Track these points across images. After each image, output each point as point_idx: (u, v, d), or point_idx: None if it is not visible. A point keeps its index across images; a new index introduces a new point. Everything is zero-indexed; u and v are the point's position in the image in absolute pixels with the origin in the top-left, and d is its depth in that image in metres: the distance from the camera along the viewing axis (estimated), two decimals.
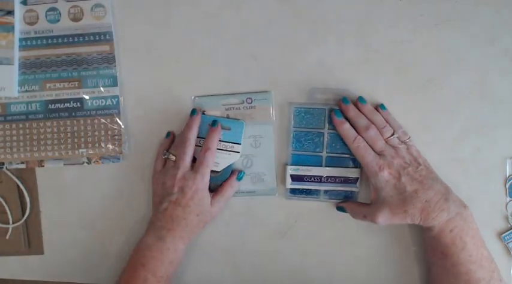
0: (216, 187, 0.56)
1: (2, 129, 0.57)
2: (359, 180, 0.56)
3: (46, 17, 0.56)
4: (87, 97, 0.57)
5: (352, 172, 0.56)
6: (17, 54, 0.56)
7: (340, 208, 0.56)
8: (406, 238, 0.57)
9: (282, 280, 0.58)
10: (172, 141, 0.57)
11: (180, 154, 0.53)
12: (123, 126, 0.57)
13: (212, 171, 0.56)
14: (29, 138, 0.57)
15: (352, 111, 0.54)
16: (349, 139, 0.53)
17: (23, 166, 0.57)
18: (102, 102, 0.57)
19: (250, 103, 0.57)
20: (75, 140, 0.57)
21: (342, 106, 0.54)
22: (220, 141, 0.56)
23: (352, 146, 0.53)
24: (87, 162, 0.57)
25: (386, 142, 0.52)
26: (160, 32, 0.57)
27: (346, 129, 0.53)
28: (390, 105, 0.55)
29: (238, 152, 0.56)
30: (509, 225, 0.57)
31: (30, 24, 0.57)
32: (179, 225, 0.52)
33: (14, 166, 0.57)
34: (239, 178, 0.56)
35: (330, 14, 0.56)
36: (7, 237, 0.59)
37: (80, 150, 0.57)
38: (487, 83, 0.56)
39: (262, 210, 0.58)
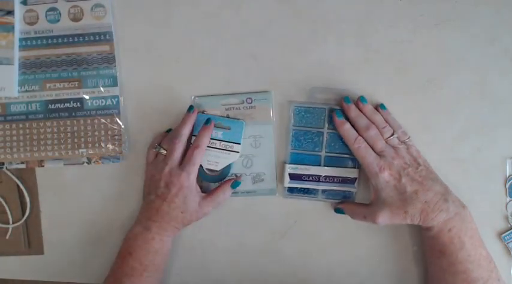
0: (212, 186, 0.56)
1: (2, 129, 0.57)
2: (357, 180, 0.56)
3: (46, 17, 0.56)
4: (87, 97, 0.57)
5: (350, 172, 0.56)
6: (17, 54, 0.56)
7: (338, 210, 0.56)
8: (405, 238, 0.57)
9: (282, 280, 0.58)
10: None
11: (170, 149, 0.54)
12: (123, 126, 0.57)
13: (211, 170, 0.56)
14: (29, 138, 0.57)
15: (353, 111, 0.54)
16: (350, 139, 0.53)
17: (23, 166, 0.57)
18: (102, 102, 0.57)
19: (250, 103, 0.57)
20: (75, 140, 0.57)
21: (344, 106, 0.54)
22: (220, 140, 0.56)
23: (352, 147, 0.53)
24: (87, 162, 0.57)
25: (386, 142, 0.52)
26: (160, 32, 0.57)
27: (346, 129, 0.53)
28: (390, 105, 0.55)
29: (237, 152, 0.56)
30: (509, 225, 0.57)
31: (30, 24, 0.57)
32: (163, 218, 0.52)
33: (14, 166, 0.57)
34: (234, 187, 0.56)
35: (330, 14, 0.56)
36: (7, 237, 0.59)
37: (80, 150, 0.57)
38: (487, 83, 0.56)
39: (262, 210, 0.58)
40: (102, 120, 0.57)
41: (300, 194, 0.57)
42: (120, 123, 0.57)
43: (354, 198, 0.57)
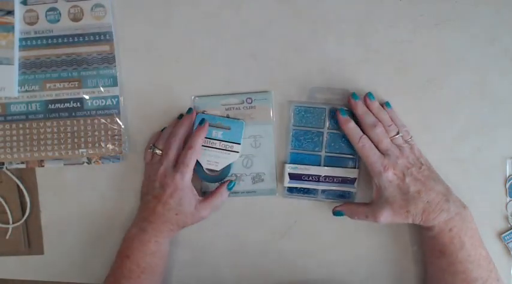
0: (212, 186, 0.56)
1: (2, 129, 0.57)
2: (357, 180, 0.56)
3: (46, 17, 0.56)
4: (87, 97, 0.57)
5: (350, 173, 0.56)
6: (17, 54, 0.56)
7: (337, 213, 0.55)
8: (405, 238, 0.57)
9: (281, 280, 0.58)
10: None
11: (166, 149, 0.54)
12: (123, 126, 0.57)
13: (211, 170, 0.56)
14: (29, 138, 0.57)
15: (360, 107, 0.53)
16: (354, 138, 0.53)
17: (23, 166, 0.57)
18: (102, 102, 0.57)
19: (250, 103, 0.57)
20: (75, 140, 0.57)
21: (351, 102, 0.54)
22: (220, 140, 0.56)
23: (357, 145, 0.52)
24: (87, 162, 0.57)
25: (391, 141, 0.52)
26: (160, 32, 0.57)
27: (351, 127, 0.53)
28: None
29: (237, 152, 0.56)
30: (509, 225, 0.57)
31: (30, 24, 0.57)
32: (159, 219, 0.52)
33: (14, 166, 0.57)
34: (229, 188, 0.56)
35: (330, 14, 0.56)
36: (7, 237, 0.59)
37: (80, 150, 0.57)
38: (487, 83, 0.56)
39: (262, 210, 0.58)
40: (102, 120, 0.57)
41: (299, 194, 0.57)
42: (120, 123, 0.57)
43: (353, 198, 0.57)
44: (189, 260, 0.58)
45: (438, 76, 0.56)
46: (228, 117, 0.57)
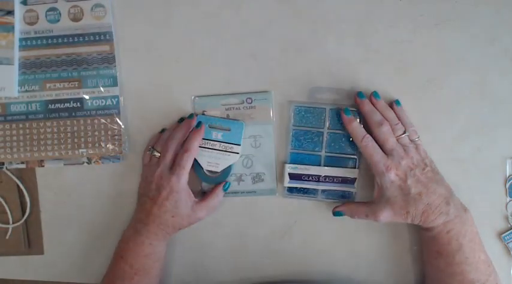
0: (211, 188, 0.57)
1: (2, 129, 0.57)
2: (357, 181, 0.56)
3: (46, 17, 0.56)
4: (87, 97, 0.57)
5: (350, 173, 0.56)
6: (17, 54, 0.56)
7: (337, 213, 0.55)
8: (405, 238, 0.57)
9: (281, 280, 0.58)
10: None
11: (163, 152, 0.54)
12: (123, 126, 0.57)
13: (212, 172, 0.56)
14: (29, 138, 0.57)
15: (367, 105, 0.53)
16: (358, 137, 0.52)
17: (23, 166, 0.57)
18: (102, 102, 0.57)
19: (250, 103, 0.57)
20: (75, 140, 0.57)
21: (357, 100, 0.54)
22: (220, 141, 0.56)
23: (360, 144, 0.52)
24: (87, 162, 0.57)
25: (397, 140, 0.52)
26: (160, 32, 0.57)
27: (355, 127, 0.53)
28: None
29: (237, 153, 0.56)
30: (509, 225, 0.57)
31: (30, 24, 0.57)
32: (154, 222, 0.52)
33: (14, 166, 0.57)
34: (225, 189, 0.56)
35: (330, 14, 0.56)
36: (7, 237, 0.59)
37: (80, 150, 0.57)
38: (487, 83, 0.56)
39: (262, 210, 0.58)
40: (102, 120, 0.57)
41: (299, 194, 0.57)
42: (120, 123, 0.57)
43: (353, 198, 0.57)
44: (189, 260, 0.58)
45: (438, 76, 0.56)
46: (228, 117, 0.57)
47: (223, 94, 0.57)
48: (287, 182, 0.56)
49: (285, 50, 0.57)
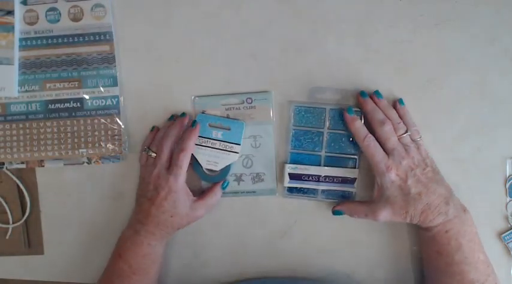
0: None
1: (2, 129, 0.57)
2: (357, 180, 0.56)
3: (46, 17, 0.56)
4: (87, 97, 0.57)
5: (350, 173, 0.56)
6: (17, 54, 0.56)
7: (337, 212, 0.55)
8: (405, 238, 0.57)
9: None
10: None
11: (158, 152, 0.54)
12: (123, 126, 0.57)
13: (211, 170, 0.56)
14: (29, 138, 0.57)
15: (369, 104, 0.54)
16: (360, 136, 0.52)
17: (23, 166, 0.57)
18: (102, 102, 0.57)
19: (251, 103, 0.57)
20: (75, 140, 0.57)
21: (360, 100, 0.54)
22: (219, 140, 0.56)
23: (362, 144, 0.52)
24: (87, 162, 0.57)
25: (398, 139, 0.52)
26: (160, 32, 0.57)
27: (357, 126, 0.53)
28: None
29: (237, 153, 0.56)
30: (509, 225, 0.57)
31: (30, 24, 0.57)
32: (152, 222, 0.52)
33: (14, 166, 0.57)
34: (223, 187, 0.56)
35: (330, 14, 0.56)
36: (7, 237, 0.59)
37: (80, 150, 0.57)
38: (487, 83, 0.56)
39: (262, 210, 0.58)
40: (102, 120, 0.57)
41: (299, 194, 0.57)
42: (120, 123, 0.57)
43: (353, 198, 0.57)
44: (189, 260, 0.58)
45: (438, 76, 0.56)
46: (228, 117, 0.57)
47: (223, 94, 0.57)
48: (287, 182, 0.56)
49: (285, 50, 0.57)
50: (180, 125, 0.55)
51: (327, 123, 0.56)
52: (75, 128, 0.57)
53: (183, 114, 0.56)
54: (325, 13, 0.56)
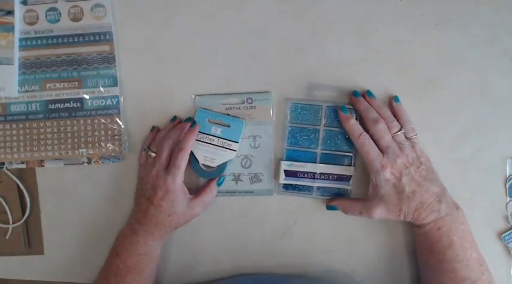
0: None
1: (2, 129, 0.57)
2: (352, 178, 0.56)
3: (46, 17, 0.56)
4: (87, 97, 0.57)
5: (345, 170, 0.56)
6: (17, 54, 0.56)
7: (330, 207, 0.56)
8: (406, 237, 0.57)
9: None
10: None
11: (159, 152, 0.54)
12: (123, 126, 0.57)
13: (207, 166, 0.56)
14: (29, 138, 0.57)
15: (362, 103, 0.54)
16: (355, 134, 0.53)
17: (23, 166, 0.57)
18: (102, 102, 0.57)
19: (251, 103, 0.57)
20: (75, 140, 0.57)
21: (353, 99, 0.54)
22: (218, 137, 0.56)
23: (357, 142, 0.52)
24: (87, 162, 0.58)
25: (392, 137, 0.52)
26: (160, 32, 0.57)
27: (352, 124, 0.53)
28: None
29: (235, 151, 0.56)
30: (509, 225, 0.57)
31: (30, 24, 0.57)
32: (150, 222, 0.52)
33: (14, 166, 0.57)
34: (219, 184, 0.56)
35: (330, 14, 0.56)
36: (7, 237, 0.59)
37: (80, 150, 0.57)
38: (487, 83, 0.56)
39: (262, 210, 0.58)
40: (102, 120, 0.57)
41: (295, 191, 0.57)
42: (120, 123, 0.57)
43: (348, 196, 0.57)
44: (188, 260, 0.58)
45: (438, 76, 0.56)
46: (228, 115, 0.57)
47: (224, 94, 0.57)
48: (282, 179, 0.56)
49: (285, 50, 0.57)
50: (183, 128, 0.55)
51: (323, 120, 0.56)
52: (75, 128, 0.57)
53: (188, 119, 0.56)
54: (325, 13, 0.56)
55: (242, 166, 0.57)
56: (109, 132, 0.57)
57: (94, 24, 0.56)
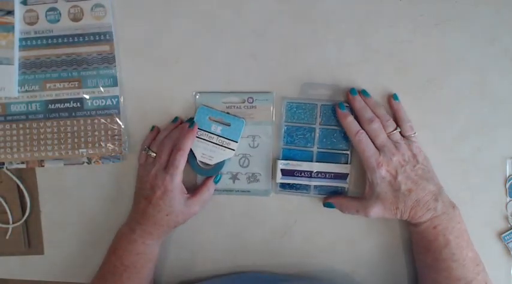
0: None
1: (2, 129, 0.57)
2: (349, 176, 0.56)
3: (46, 17, 0.56)
4: (87, 97, 0.57)
5: (342, 168, 0.56)
6: (17, 54, 0.56)
7: (328, 204, 0.56)
8: (406, 237, 0.57)
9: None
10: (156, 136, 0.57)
11: (159, 152, 0.54)
12: (123, 126, 0.57)
13: (205, 164, 0.56)
14: (29, 138, 0.57)
15: (358, 102, 0.54)
16: (352, 132, 0.53)
17: (23, 166, 0.57)
18: (102, 102, 0.57)
19: (252, 102, 0.57)
20: (75, 140, 0.57)
21: (349, 97, 0.54)
22: (218, 135, 0.56)
23: (354, 139, 0.53)
24: (87, 162, 0.58)
25: (388, 136, 0.52)
26: (160, 32, 0.57)
27: (349, 121, 0.53)
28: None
29: (233, 150, 0.56)
30: (509, 225, 0.57)
31: (30, 24, 0.57)
32: (148, 221, 0.52)
33: (14, 166, 0.57)
34: (216, 181, 0.56)
35: (330, 14, 0.56)
36: (7, 237, 0.59)
37: (80, 150, 0.57)
38: (487, 83, 0.56)
39: (262, 210, 0.58)
40: (102, 120, 0.57)
41: (292, 190, 0.57)
42: (120, 123, 0.57)
43: (345, 194, 0.57)
44: (188, 260, 0.58)
45: (438, 76, 0.56)
46: (229, 113, 0.57)
47: (225, 92, 0.57)
48: (279, 178, 0.56)
49: (285, 50, 0.57)
50: (184, 130, 0.55)
51: (319, 119, 0.56)
52: (75, 128, 0.57)
53: (190, 120, 0.56)
54: (325, 13, 0.56)
55: (240, 165, 0.57)
56: (109, 132, 0.57)
57: (94, 24, 0.56)
